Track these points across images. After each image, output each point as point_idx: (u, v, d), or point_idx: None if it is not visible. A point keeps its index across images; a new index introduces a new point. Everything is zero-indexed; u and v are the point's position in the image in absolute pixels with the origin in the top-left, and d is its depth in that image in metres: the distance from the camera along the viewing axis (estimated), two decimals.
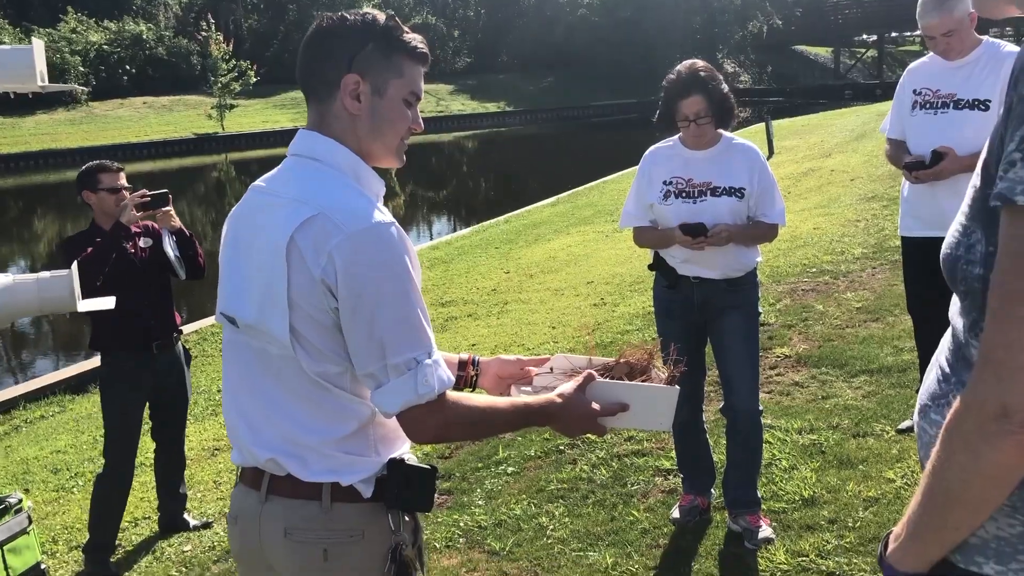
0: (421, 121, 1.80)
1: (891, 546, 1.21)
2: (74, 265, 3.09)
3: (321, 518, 1.67)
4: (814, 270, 7.54)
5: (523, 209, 14.94)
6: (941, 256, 1.20)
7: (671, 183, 3.50)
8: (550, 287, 8.93)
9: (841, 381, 5.02)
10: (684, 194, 3.48)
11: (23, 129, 32.37)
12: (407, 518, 1.74)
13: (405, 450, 1.77)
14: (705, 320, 3.58)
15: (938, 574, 1.16)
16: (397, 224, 1.64)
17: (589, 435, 1.89)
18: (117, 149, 29.66)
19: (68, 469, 5.97)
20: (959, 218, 1.17)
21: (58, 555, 4.57)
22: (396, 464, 1.71)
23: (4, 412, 7.58)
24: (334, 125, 1.72)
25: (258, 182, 1.78)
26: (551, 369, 2.05)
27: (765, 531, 3.42)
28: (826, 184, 12.25)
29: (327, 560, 1.68)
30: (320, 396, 1.66)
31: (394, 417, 1.62)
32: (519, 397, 1.82)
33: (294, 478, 1.68)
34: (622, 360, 2.02)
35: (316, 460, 1.67)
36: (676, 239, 3.41)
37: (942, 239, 4.02)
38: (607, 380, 1.90)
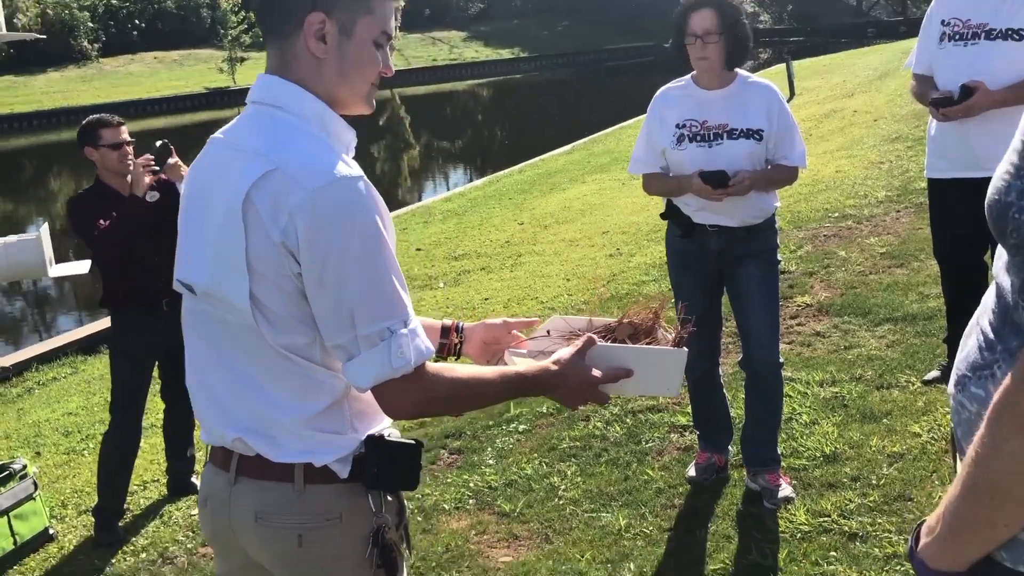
0: (392, 64, 1.62)
1: (923, 540, 1.06)
2: (44, 228, 2.96)
3: (294, 501, 1.54)
4: (836, 215, 7.31)
5: (538, 158, 14.69)
6: (987, 203, 1.01)
7: (684, 126, 3.31)
8: (565, 238, 8.76)
9: (864, 330, 4.84)
10: (699, 138, 3.29)
11: (34, 88, 32.24)
12: (390, 498, 1.61)
13: (386, 425, 1.63)
14: (722, 269, 3.41)
15: (979, 573, 1.00)
16: (366, 179, 1.48)
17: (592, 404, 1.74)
18: (129, 105, 29.50)
19: (79, 431, 5.92)
20: (1010, 157, 0.99)
21: (67, 519, 4.51)
22: (375, 441, 1.57)
23: (17, 375, 7.54)
24: (297, 69, 1.54)
25: (217, 133, 1.62)
26: (547, 332, 1.90)
27: (785, 490, 3.28)
28: (848, 125, 11.92)
29: (302, 546, 1.55)
30: (288, 370, 1.52)
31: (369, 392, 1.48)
32: (509, 366, 1.67)
33: (264, 459, 1.55)
34: (625, 320, 1.86)
35: (287, 439, 1.54)
36: (693, 188, 3.22)
37: (971, 180, 3.78)
38: (608, 343, 1.75)
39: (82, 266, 3.15)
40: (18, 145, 27.48)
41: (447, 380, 1.51)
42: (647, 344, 1.79)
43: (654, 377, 1.72)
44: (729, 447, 3.64)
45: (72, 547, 4.09)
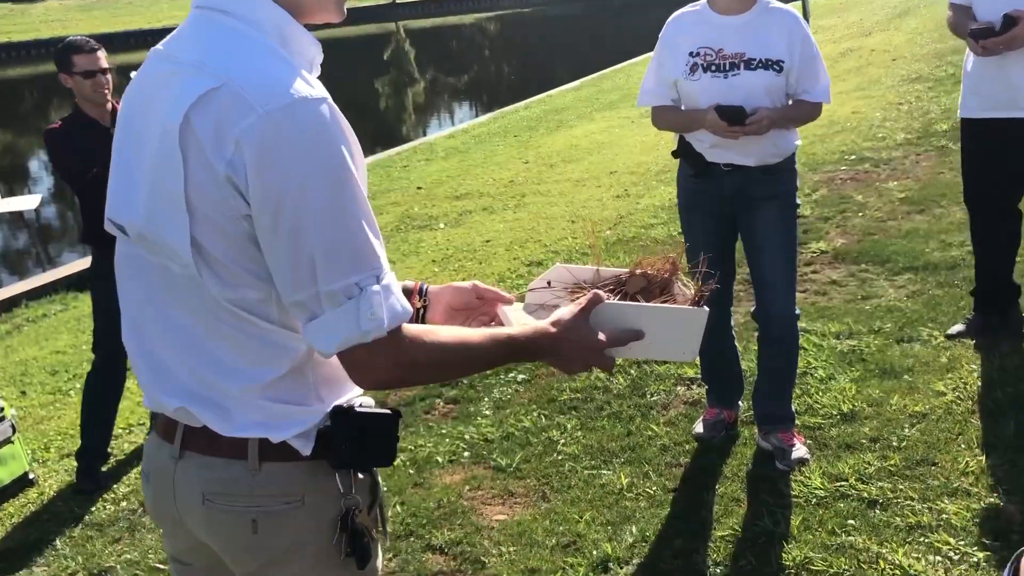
0: None
1: None
2: None
3: (248, 482, 1.33)
4: (853, 157, 7.02)
5: (544, 94, 14.30)
6: None
7: (698, 54, 3.03)
8: (571, 178, 8.48)
9: (883, 279, 4.61)
10: (714, 67, 3.01)
11: (32, 16, 31.62)
12: (361, 475, 1.39)
13: (357, 392, 1.40)
14: (736, 213, 3.16)
15: None
16: (331, 102, 1.23)
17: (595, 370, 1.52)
18: (129, 36, 28.93)
19: (67, 371, 5.76)
20: None
21: (49, 463, 4.35)
22: (343, 413, 1.35)
23: (6, 311, 7.37)
24: None
25: (158, 45, 1.36)
26: (548, 283, 1.67)
27: (799, 450, 3.08)
28: (866, 65, 11.51)
29: (257, 532, 1.34)
30: (239, 329, 1.29)
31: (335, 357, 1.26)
32: (500, 328, 1.42)
33: (213, 431, 1.33)
34: (638, 271, 1.62)
35: (239, 410, 1.31)
36: (707, 123, 2.96)
37: (1011, 121, 3.47)
38: (617, 302, 1.52)
39: (30, 201, 2.91)
40: (16, 75, 27.02)
41: (427, 345, 1.28)
42: (662, 302, 1.56)
43: (669, 340, 1.50)
44: (739, 403, 3.44)
45: (52, 493, 3.94)
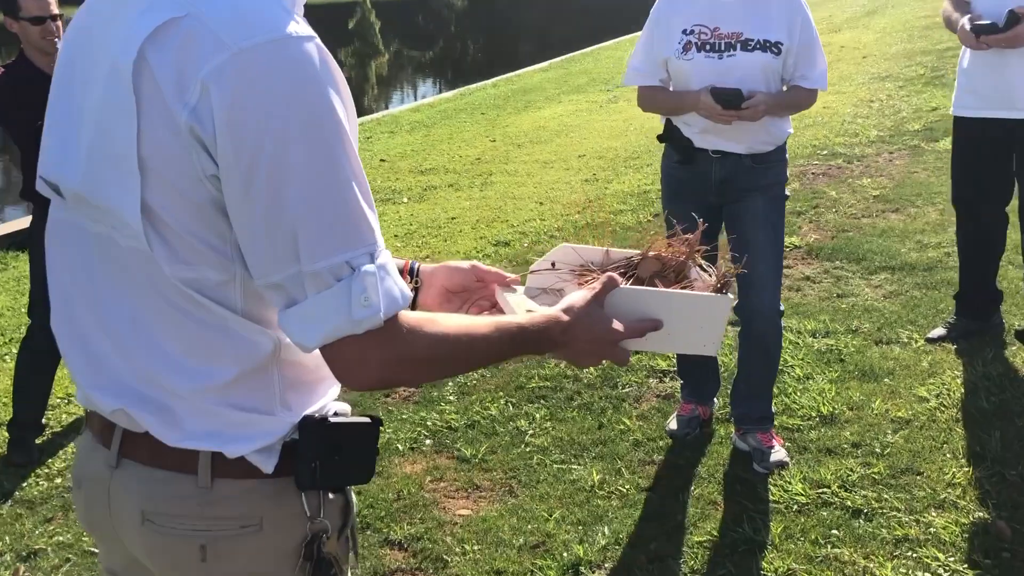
0: None
1: None
2: None
3: (196, 501, 1.11)
4: (825, 152, 6.94)
5: (512, 73, 14.08)
6: None
7: (692, 32, 2.87)
8: (538, 159, 8.31)
9: (858, 278, 4.52)
10: (708, 47, 2.86)
11: None
12: (332, 495, 1.18)
13: (330, 398, 1.20)
14: (722, 203, 3.02)
15: None
16: (320, 42, 1.03)
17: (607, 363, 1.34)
18: None
19: (2, 335, 5.46)
20: None
21: None
22: (314, 424, 1.14)
23: None
24: None
25: None
26: (552, 264, 1.50)
27: (778, 452, 2.96)
28: (836, 61, 11.47)
29: (206, 560, 1.13)
30: (192, 317, 1.08)
31: (317, 351, 1.05)
32: (507, 317, 1.25)
33: (156, 439, 1.12)
34: (651, 254, 1.46)
35: (188, 416, 1.10)
36: (699, 106, 2.81)
37: (1006, 121, 3.33)
38: (634, 287, 1.36)
39: None
40: None
41: (428, 337, 1.08)
42: (680, 288, 1.40)
43: (690, 331, 1.34)
44: (715, 399, 3.31)
45: None
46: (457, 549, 2.69)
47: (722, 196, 3.00)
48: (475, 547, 2.69)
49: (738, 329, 3.15)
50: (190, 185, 1.01)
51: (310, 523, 1.15)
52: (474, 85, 13.31)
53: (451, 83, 16.93)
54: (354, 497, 1.24)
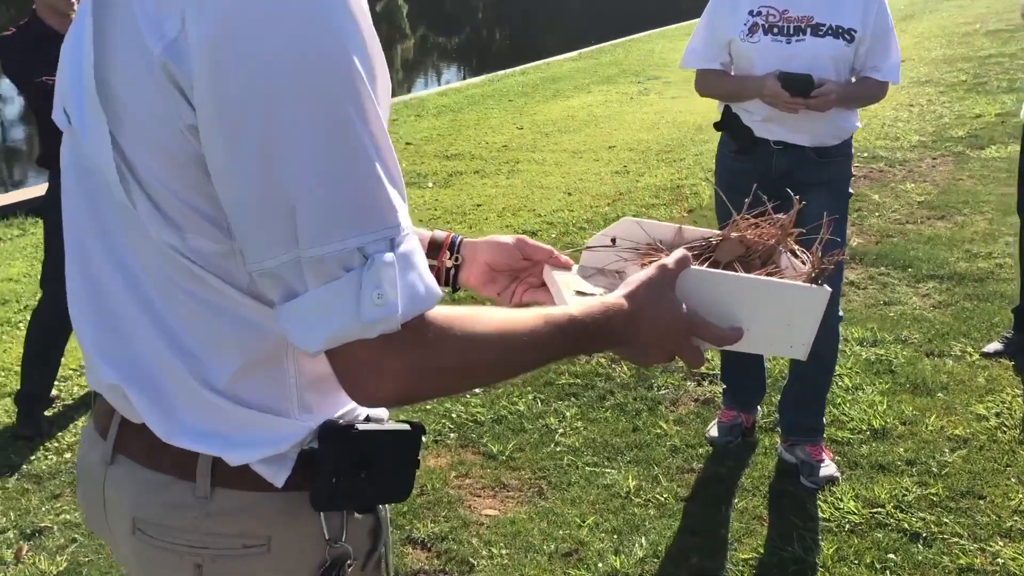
0: None
1: None
2: None
3: (193, 512, 0.94)
4: (866, 155, 6.73)
5: (541, 61, 13.89)
6: None
7: (760, 14, 2.69)
8: (567, 148, 8.13)
9: (905, 285, 4.32)
10: (776, 30, 2.68)
11: None
12: (360, 514, 0.99)
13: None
14: (782, 198, 2.83)
15: None
16: None
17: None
18: None
19: (17, 301, 5.34)
20: None
21: None
22: (336, 434, 0.94)
23: None
24: None
25: None
26: (612, 240, 1.27)
27: (828, 467, 2.78)
28: None
29: None
30: (189, 291, 0.89)
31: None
32: (555, 308, 0.98)
33: (152, 433, 0.94)
34: (734, 235, 1.23)
35: (187, 407, 0.92)
36: (765, 91, 2.63)
37: None
38: (709, 269, 1.13)
39: None
40: None
41: (460, 340, 0.86)
42: (767, 275, 1.16)
43: (777, 327, 1.11)
44: (759, 407, 3.14)
45: None
46: (484, 552, 2.54)
47: (781, 192, 2.81)
48: (503, 551, 2.53)
49: None
50: (169, 137, 0.82)
51: (329, 547, 0.96)
52: (502, 72, 13.14)
53: (476, 70, 16.74)
54: (388, 514, 1.05)
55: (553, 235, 5.60)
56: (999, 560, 2.35)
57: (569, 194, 6.60)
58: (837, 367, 3.43)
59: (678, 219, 5.80)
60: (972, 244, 4.74)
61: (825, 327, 2.78)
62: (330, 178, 0.78)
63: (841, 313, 2.84)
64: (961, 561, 2.36)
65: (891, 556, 2.39)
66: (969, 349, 3.58)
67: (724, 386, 3.13)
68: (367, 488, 0.95)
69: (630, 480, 2.83)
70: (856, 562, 2.37)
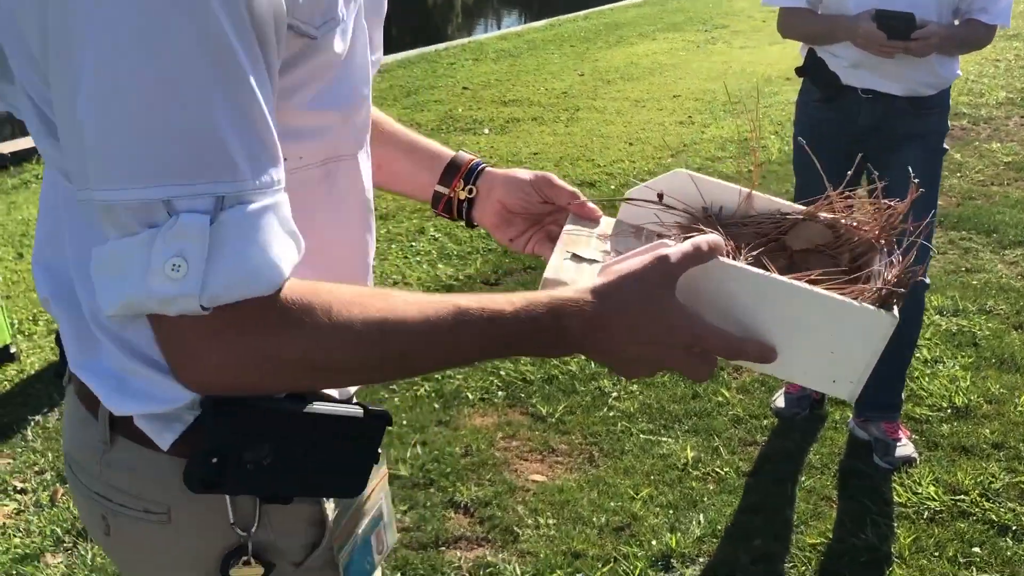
0: None
1: None
2: None
3: (97, 457, 0.83)
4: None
5: (605, 6, 13.49)
6: None
7: None
8: (629, 97, 7.84)
9: (989, 251, 4.03)
10: None
11: None
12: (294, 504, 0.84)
13: None
14: (869, 152, 2.58)
15: None
16: None
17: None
18: None
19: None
20: None
21: (35, 337, 3.91)
22: (222, 405, 0.75)
23: (16, 164, 6.91)
24: None
25: None
26: (660, 196, 1.00)
27: (905, 447, 2.57)
28: None
29: (109, 535, 0.85)
30: (77, 215, 0.76)
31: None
32: (479, 298, 0.78)
33: None
34: (822, 215, 0.96)
35: (97, 332, 0.78)
36: (859, 33, 2.37)
37: None
38: (740, 264, 0.86)
39: None
40: None
41: (317, 331, 0.70)
42: (847, 282, 0.89)
43: (818, 353, 0.85)
44: None
45: (33, 371, 3.50)
46: (529, 521, 2.39)
47: (867, 146, 2.57)
48: (550, 521, 2.38)
49: None
50: (22, 31, 0.68)
51: (237, 533, 0.81)
52: (564, 16, 12.79)
53: (537, 15, 16.37)
54: (372, 505, 0.91)
55: (613, 187, 5.38)
56: None
57: (630, 144, 6.35)
58: None
59: (746, 173, 5.52)
60: None
61: (912, 296, 2.56)
62: (134, 108, 0.62)
63: (928, 280, 2.60)
64: None
65: (976, 550, 2.19)
66: None
67: None
68: (279, 475, 0.78)
69: (688, 451, 2.65)
70: (937, 555, 2.17)
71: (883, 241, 0.94)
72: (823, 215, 0.98)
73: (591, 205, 1.02)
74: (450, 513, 2.44)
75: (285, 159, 0.71)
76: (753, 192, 1.00)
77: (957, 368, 3.01)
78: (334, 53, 0.75)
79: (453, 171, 1.06)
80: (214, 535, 0.82)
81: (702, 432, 2.76)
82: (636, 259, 0.81)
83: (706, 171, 5.61)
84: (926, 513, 2.32)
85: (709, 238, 0.82)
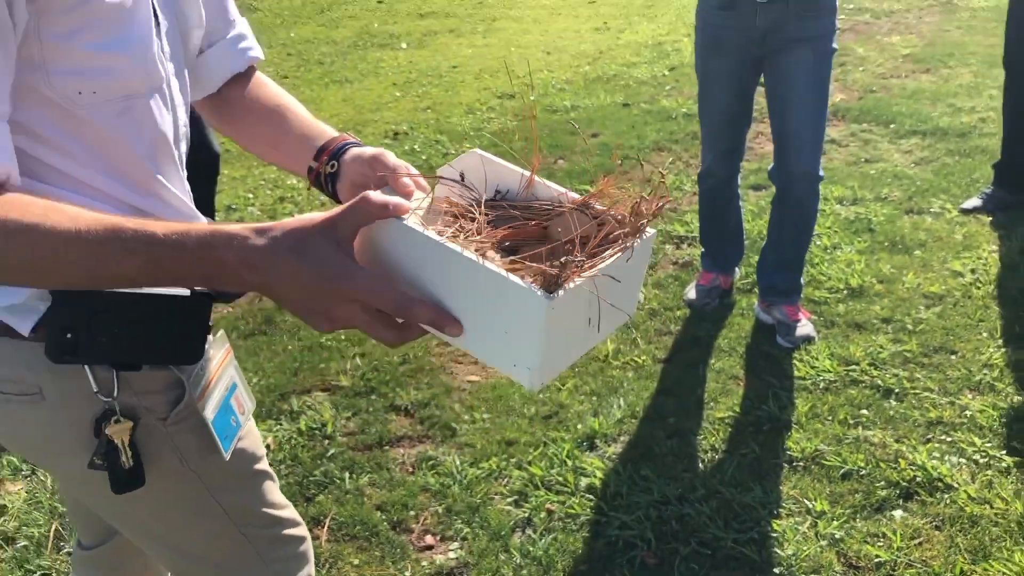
0: None
1: None
2: None
3: None
4: (851, 6, 6.54)
5: None
6: None
7: None
8: (545, 5, 7.86)
9: (887, 141, 4.28)
10: None
11: None
12: (149, 369, 1.00)
13: None
14: (764, 55, 2.75)
15: None
16: None
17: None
18: None
19: None
20: None
21: None
22: (72, 293, 0.91)
23: None
24: None
25: None
26: (461, 176, 1.01)
27: (805, 326, 2.81)
28: None
29: (2, 421, 1.01)
30: None
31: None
32: (142, 220, 0.84)
33: None
34: (610, 213, 0.94)
35: None
36: None
37: None
38: (413, 226, 0.87)
39: None
40: None
41: None
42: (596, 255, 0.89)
43: (493, 331, 0.86)
44: (737, 268, 3.14)
45: None
46: (466, 416, 2.58)
47: (763, 49, 2.73)
48: (484, 415, 2.57)
49: (771, 193, 2.95)
50: None
51: (102, 400, 0.97)
52: None
53: None
54: (225, 372, 1.07)
55: (532, 97, 5.48)
56: (967, 412, 2.41)
57: (548, 53, 6.41)
58: (816, 226, 3.43)
59: (660, 77, 5.65)
60: (956, 98, 4.67)
61: (809, 188, 2.76)
62: None
63: (822, 172, 2.81)
64: (931, 414, 2.41)
65: (863, 412, 2.45)
66: (948, 206, 3.57)
67: (703, 249, 3.12)
68: (124, 346, 0.94)
69: (608, 344, 2.86)
70: (830, 418, 2.43)
71: (640, 226, 0.92)
72: (597, 206, 0.96)
73: (407, 181, 1.00)
74: (392, 416, 2.61)
75: (80, 92, 0.86)
76: (537, 179, 1.01)
77: (853, 252, 3.26)
78: (108, 4, 0.87)
79: (321, 151, 1.10)
80: (83, 404, 0.97)
81: (621, 325, 2.96)
82: (314, 215, 0.85)
83: (622, 76, 5.73)
84: (822, 384, 2.58)
85: (389, 197, 0.86)
